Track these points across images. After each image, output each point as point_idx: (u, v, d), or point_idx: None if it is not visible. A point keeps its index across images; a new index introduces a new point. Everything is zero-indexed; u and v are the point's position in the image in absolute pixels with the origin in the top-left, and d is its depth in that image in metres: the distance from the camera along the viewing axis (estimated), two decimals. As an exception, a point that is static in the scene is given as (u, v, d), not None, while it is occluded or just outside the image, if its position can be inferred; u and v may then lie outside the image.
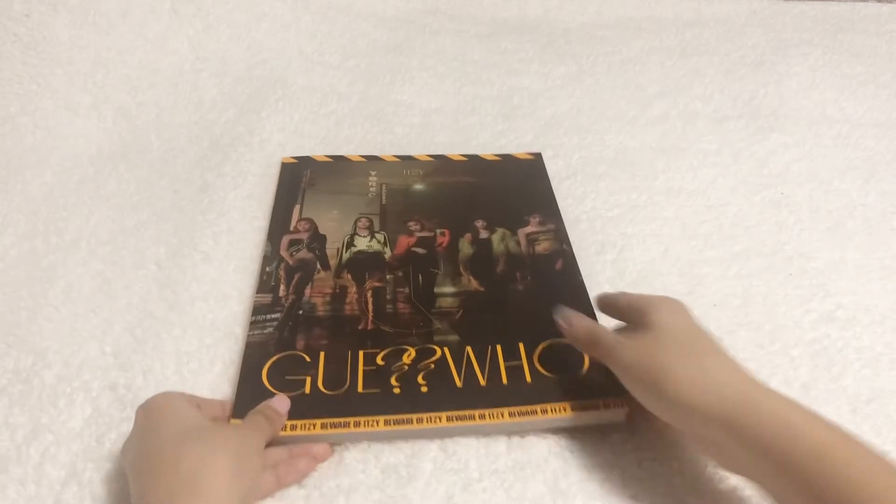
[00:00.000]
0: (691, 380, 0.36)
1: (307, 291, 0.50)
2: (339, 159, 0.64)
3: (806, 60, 0.69)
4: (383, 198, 0.59)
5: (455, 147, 0.66)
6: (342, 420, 0.42)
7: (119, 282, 0.52)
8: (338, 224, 0.56)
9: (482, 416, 0.43)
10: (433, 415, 0.43)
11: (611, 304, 0.46)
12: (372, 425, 0.42)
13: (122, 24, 0.66)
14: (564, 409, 0.43)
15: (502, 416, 0.43)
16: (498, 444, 0.44)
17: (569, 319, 0.45)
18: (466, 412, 0.43)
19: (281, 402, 0.43)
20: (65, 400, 0.45)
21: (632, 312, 0.42)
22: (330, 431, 0.41)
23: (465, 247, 0.55)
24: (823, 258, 0.56)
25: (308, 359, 0.46)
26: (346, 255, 0.53)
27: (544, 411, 0.43)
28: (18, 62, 0.63)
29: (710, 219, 0.59)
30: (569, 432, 0.44)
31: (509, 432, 0.44)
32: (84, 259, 0.53)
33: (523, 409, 0.43)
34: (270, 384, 0.44)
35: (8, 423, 0.44)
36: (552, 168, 0.63)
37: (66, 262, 0.53)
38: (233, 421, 0.41)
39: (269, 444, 0.40)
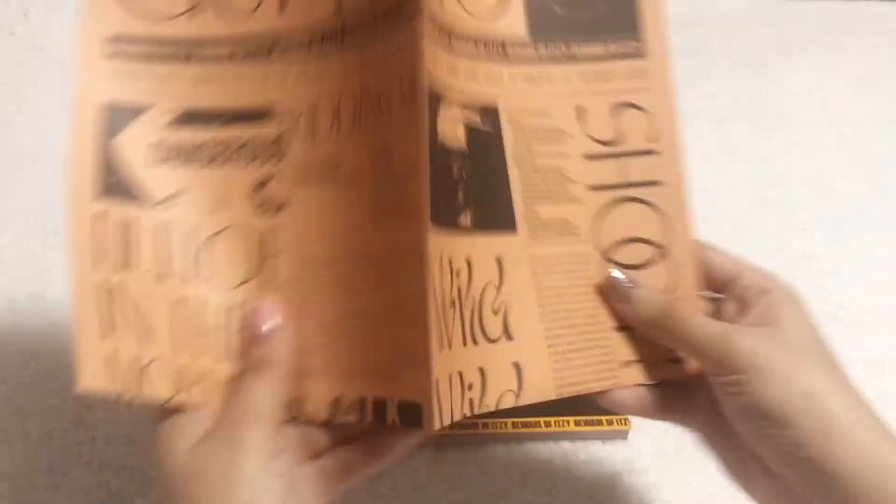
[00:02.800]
0: (855, 409, 0.29)
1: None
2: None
3: (809, 60, 0.68)
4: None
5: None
6: None
7: (117, 282, 0.52)
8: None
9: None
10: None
11: (714, 268, 0.35)
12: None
13: (121, 24, 0.66)
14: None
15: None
16: (496, 444, 0.44)
17: (629, 289, 0.33)
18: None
19: (265, 314, 0.30)
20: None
21: (748, 292, 0.33)
22: None
23: None
24: (826, 259, 0.55)
25: None
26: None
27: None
28: (16, 62, 0.62)
29: (713, 219, 0.58)
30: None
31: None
32: (82, 259, 0.53)
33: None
34: None
35: (5, 424, 0.44)
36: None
37: (64, 263, 0.53)
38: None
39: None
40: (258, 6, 0.33)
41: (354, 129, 0.32)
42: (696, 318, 0.31)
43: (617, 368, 0.33)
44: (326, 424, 0.30)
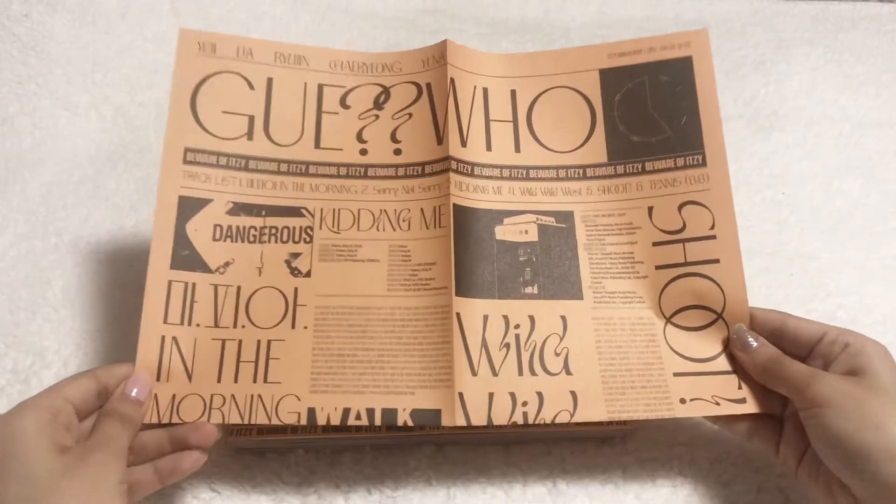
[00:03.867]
0: None
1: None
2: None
3: (807, 60, 0.69)
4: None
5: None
6: None
7: (118, 282, 0.52)
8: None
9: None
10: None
11: (790, 332, 0.40)
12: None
13: (122, 24, 0.66)
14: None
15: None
16: (495, 445, 0.44)
17: (749, 342, 0.40)
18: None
19: (139, 384, 0.38)
20: (63, 401, 0.45)
21: (832, 348, 0.38)
22: None
23: None
24: (825, 258, 0.55)
25: None
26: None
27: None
28: (17, 62, 0.62)
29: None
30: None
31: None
32: (83, 259, 0.53)
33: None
34: None
35: (6, 423, 0.44)
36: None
37: (64, 263, 0.53)
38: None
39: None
40: (298, 140, 0.44)
41: (372, 231, 0.43)
42: (795, 364, 0.38)
43: (673, 404, 0.40)
44: (337, 429, 0.40)
